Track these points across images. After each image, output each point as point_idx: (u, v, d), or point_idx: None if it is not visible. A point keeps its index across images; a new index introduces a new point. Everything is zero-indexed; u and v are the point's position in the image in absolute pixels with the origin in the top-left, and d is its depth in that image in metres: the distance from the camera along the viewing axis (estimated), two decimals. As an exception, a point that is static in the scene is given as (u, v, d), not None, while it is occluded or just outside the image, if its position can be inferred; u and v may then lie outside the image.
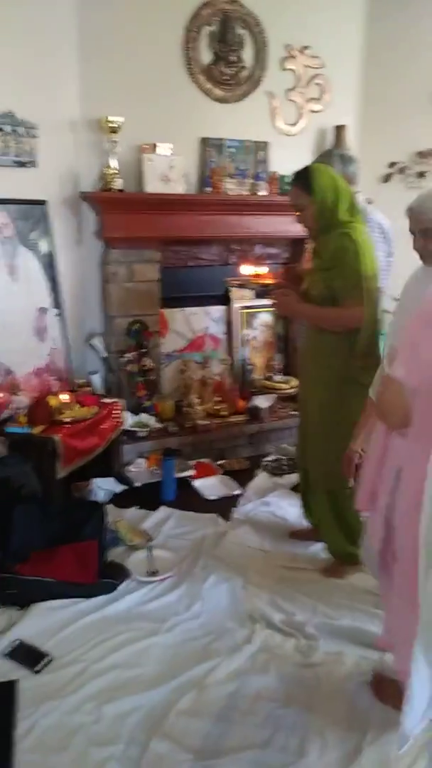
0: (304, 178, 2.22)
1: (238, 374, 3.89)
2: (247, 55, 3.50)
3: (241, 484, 3.17)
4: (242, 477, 3.27)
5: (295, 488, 3.08)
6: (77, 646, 1.98)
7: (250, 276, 2.67)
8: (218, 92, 3.46)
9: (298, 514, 2.75)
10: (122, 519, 2.72)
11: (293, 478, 3.22)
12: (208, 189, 3.48)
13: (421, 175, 3.85)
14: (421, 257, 1.78)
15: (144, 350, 3.45)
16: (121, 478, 3.08)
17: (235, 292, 3.84)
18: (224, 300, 3.87)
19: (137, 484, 3.07)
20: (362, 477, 1.79)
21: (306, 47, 3.63)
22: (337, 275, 2.16)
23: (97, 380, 3.36)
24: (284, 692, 1.82)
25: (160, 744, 1.61)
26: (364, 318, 2.13)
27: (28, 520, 2.38)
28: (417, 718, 1.22)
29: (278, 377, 3.91)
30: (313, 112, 3.76)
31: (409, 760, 1.57)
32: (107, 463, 3.10)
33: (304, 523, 2.66)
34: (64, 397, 2.84)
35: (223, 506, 2.96)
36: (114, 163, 3.15)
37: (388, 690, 1.76)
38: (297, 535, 2.70)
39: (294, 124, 3.74)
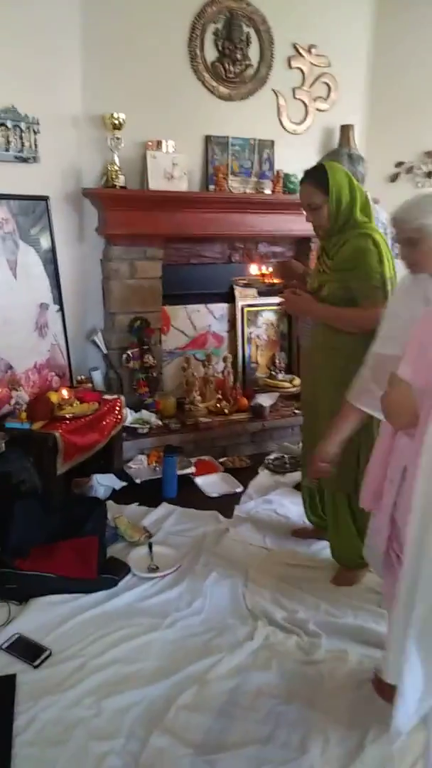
0: (319, 175, 2.14)
1: (241, 372, 3.87)
2: (253, 53, 3.50)
3: (243, 482, 3.15)
4: (244, 475, 3.25)
5: (297, 486, 3.07)
6: (77, 641, 1.96)
7: (257, 275, 2.66)
8: (223, 90, 3.46)
9: (299, 513, 2.73)
10: (122, 515, 2.70)
11: (295, 476, 3.21)
12: (212, 187, 3.47)
13: (429, 174, 3.85)
14: (407, 266, 1.74)
15: (146, 347, 3.44)
16: (121, 475, 3.07)
17: (239, 290, 3.83)
18: (227, 298, 3.86)
19: (138, 480, 3.05)
20: (367, 476, 1.78)
21: (313, 46, 3.63)
22: (356, 276, 2.10)
23: (98, 377, 3.35)
24: (286, 689, 1.80)
25: (160, 739, 1.59)
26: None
27: (28, 515, 2.37)
28: (409, 714, 1.20)
29: (281, 375, 3.90)
30: (319, 110, 3.76)
31: (411, 758, 1.56)
32: (108, 460, 3.09)
33: (306, 522, 2.64)
34: (65, 393, 2.83)
35: (225, 504, 2.94)
36: (117, 159, 3.14)
37: (391, 688, 1.74)
38: (299, 533, 2.68)
39: (300, 123, 3.74)
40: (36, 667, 1.84)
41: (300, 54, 3.62)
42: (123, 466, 3.15)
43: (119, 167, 3.15)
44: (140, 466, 3.17)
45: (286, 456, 3.46)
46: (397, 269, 2.75)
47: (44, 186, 3.05)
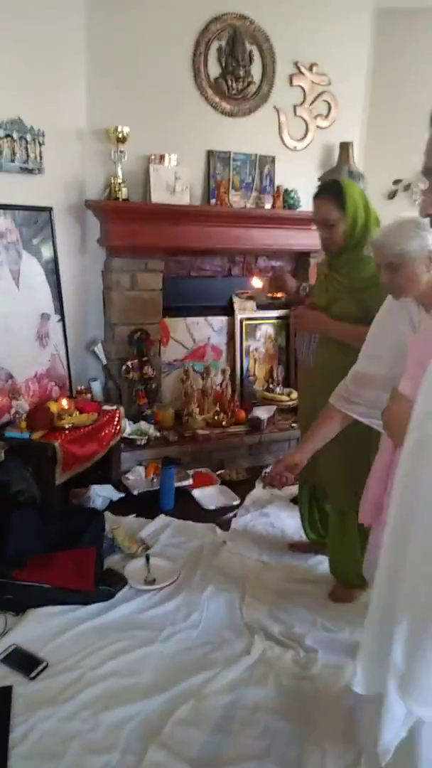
0: (336, 191, 2.10)
1: (239, 385, 3.89)
2: (256, 70, 3.55)
3: (240, 495, 3.16)
4: (241, 487, 3.25)
5: (293, 500, 3.07)
6: (73, 653, 1.95)
7: (259, 289, 2.66)
8: (226, 106, 3.50)
9: (296, 526, 2.73)
10: (120, 526, 2.70)
11: (292, 489, 3.21)
12: (213, 201, 3.51)
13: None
14: (390, 291, 1.74)
15: (145, 358, 3.45)
16: (118, 486, 3.07)
17: (238, 303, 3.86)
18: (226, 311, 3.88)
19: (135, 492, 3.05)
20: (367, 490, 1.79)
21: (314, 64, 3.68)
22: (376, 295, 1.99)
23: (97, 387, 3.36)
24: (282, 704, 1.80)
25: (156, 753, 1.59)
26: None
27: (25, 525, 2.37)
28: (395, 729, 1.20)
29: (279, 389, 3.91)
30: (319, 128, 3.81)
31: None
32: (105, 471, 3.09)
33: (303, 536, 2.65)
34: (65, 403, 2.84)
35: (221, 516, 2.95)
36: (120, 172, 3.17)
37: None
38: (296, 546, 2.68)
39: (301, 140, 3.78)
40: (32, 678, 1.84)
41: (301, 72, 3.67)
42: (121, 477, 3.15)
43: (122, 180, 3.18)
44: (138, 478, 3.17)
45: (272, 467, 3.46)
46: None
47: (48, 197, 3.07)
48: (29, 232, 2.98)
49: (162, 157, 3.30)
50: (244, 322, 3.91)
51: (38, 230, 3.03)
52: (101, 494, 2.94)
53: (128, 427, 3.30)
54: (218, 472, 3.40)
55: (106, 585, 2.27)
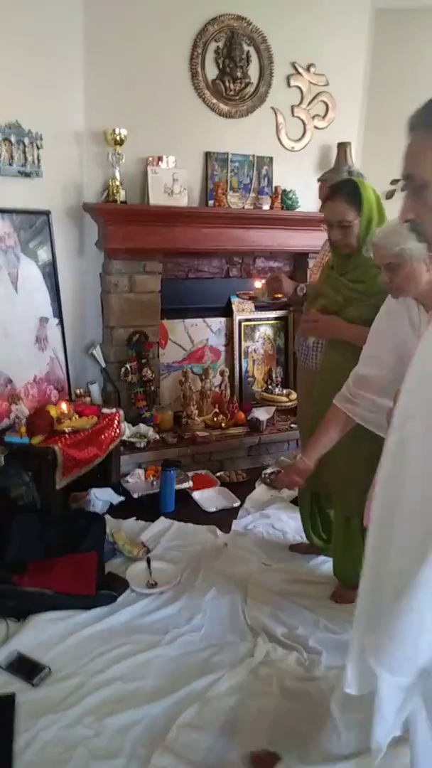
0: (351, 191, 2.04)
1: (238, 386, 3.89)
2: (253, 71, 3.54)
3: (240, 496, 3.16)
4: (241, 489, 3.25)
5: (294, 501, 3.08)
6: (76, 659, 1.95)
7: (260, 289, 2.66)
8: (223, 107, 3.49)
9: (297, 527, 2.74)
10: (120, 530, 2.69)
11: (292, 490, 3.21)
12: (211, 202, 3.50)
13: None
14: (390, 291, 1.73)
15: (144, 361, 3.44)
16: (118, 489, 3.06)
17: (237, 304, 3.85)
18: (225, 312, 3.88)
19: (135, 495, 3.05)
20: (372, 493, 1.79)
21: (311, 65, 3.68)
22: None
23: (95, 390, 3.35)
24: (287, 706, 1.80)
25: (162, 758, 1.58)
26: None
27: (26, 530, 2.36)
28: (387, 727, 1.21)
29: (277, 389, 3.91)
30: (317, 128, 3.81)
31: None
32: (105, 474, 3.08)
33: (304, 537, 2.64)
34: (64, 407, 2.83)
35: (222, 518, 2.94)
36: (118, 174, 3.16)
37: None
38: (297, 548, 2.69)
39: (298, 140, 3.78)
40: (35, 685, 1.83)
41: (299, 73, 3.67)
42: (120, 480, 3.15)
43: (120, 182, 3.17)
44: (137, 480, 3.17)
45: (282, 470, 3.45)
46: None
47: (46, 200, 3.07)
48: (27, 235, 2.97)
49: (160, 159, 3.30)
50: (243, 324, 3.91)
51: (36, 233, 3.02)
52: (101, 498, 2.93)
53: (128, 430, 3.30)
54: (218, 474, 3.40)
55: (107, 589, 2.27)
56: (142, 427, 3.38)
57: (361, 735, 1.38)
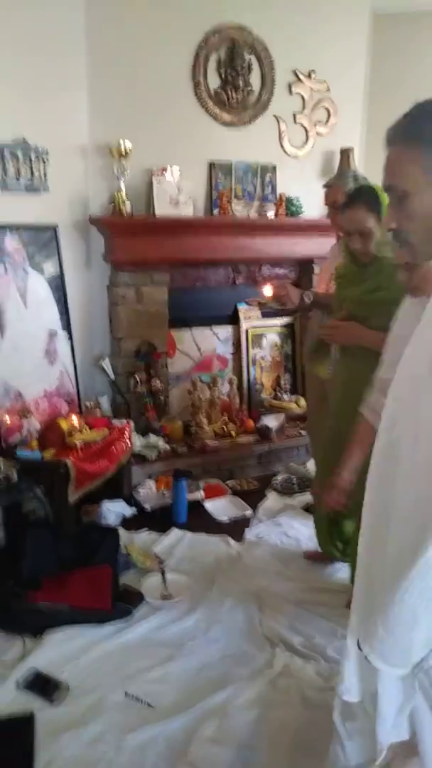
0: (371, 198, 1.97)
1: (246, 394, 3.89)
2: (255, 79, 3.55)
3: (252, 505, 3.15)
4: (252, 497, 3.25)
5: (306, 508, 3.07)
6: (94, 675, 1.94)
7: (270, 297, 2.65)
8: (226, 116, 3.50)
9: (310, 534, 2.73)
10: (133, 542, 2.69)
11: (303, 497, 3.21)
12: (216, 211, 3.51)
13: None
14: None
15: (153, 371, 3.45)
16: (130, 501, 3.06)
17: (244, 312, 3.85)
18: (231, 320, 3.88)
19: (147, 507, 3.04)
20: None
21: (312, 71, 3.69)
22: None
23: (105, 402, 3.35)
24: (308, 717, 1.78)
25: (183, 774, 1.58)
26: None
27: (39, 545, 2.36)
28: (388, 728, 1.21)
29: (286, 396, 3.91)
30: (319, 134, 3.82)
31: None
32: (116, 486, 3.08)
33: (317, 545, 2.63)
34: (75, 420, 2.83)
35: (235, 528, 2.94)
36: (123, 186, 3.18)
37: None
38: (311, 556, 2.67)
39: (301, 147, 3.79)
40: (53, 702, 1.82)
41: (300, 80, 3.68)
42: (132, 492, 3.14)
43: (126, 194, 3.19)
44: (148, 492, 3.16)
45: (293, 477, 3.46)
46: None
47: (53, 215, 3.08)
48: (35, 249, 2.98)
49: (164, 170, 3.31)
50: (250, 331, 3.91)
51: (43, 247, 3.03)
52: (113, 510, 2.93)
53: (138, 442, 3.29)
54: (229, 483, 3.39)
55: (122, 602, 2.26)
56: (153, 438, 3.37)
57: (365, 745, 1.38)
